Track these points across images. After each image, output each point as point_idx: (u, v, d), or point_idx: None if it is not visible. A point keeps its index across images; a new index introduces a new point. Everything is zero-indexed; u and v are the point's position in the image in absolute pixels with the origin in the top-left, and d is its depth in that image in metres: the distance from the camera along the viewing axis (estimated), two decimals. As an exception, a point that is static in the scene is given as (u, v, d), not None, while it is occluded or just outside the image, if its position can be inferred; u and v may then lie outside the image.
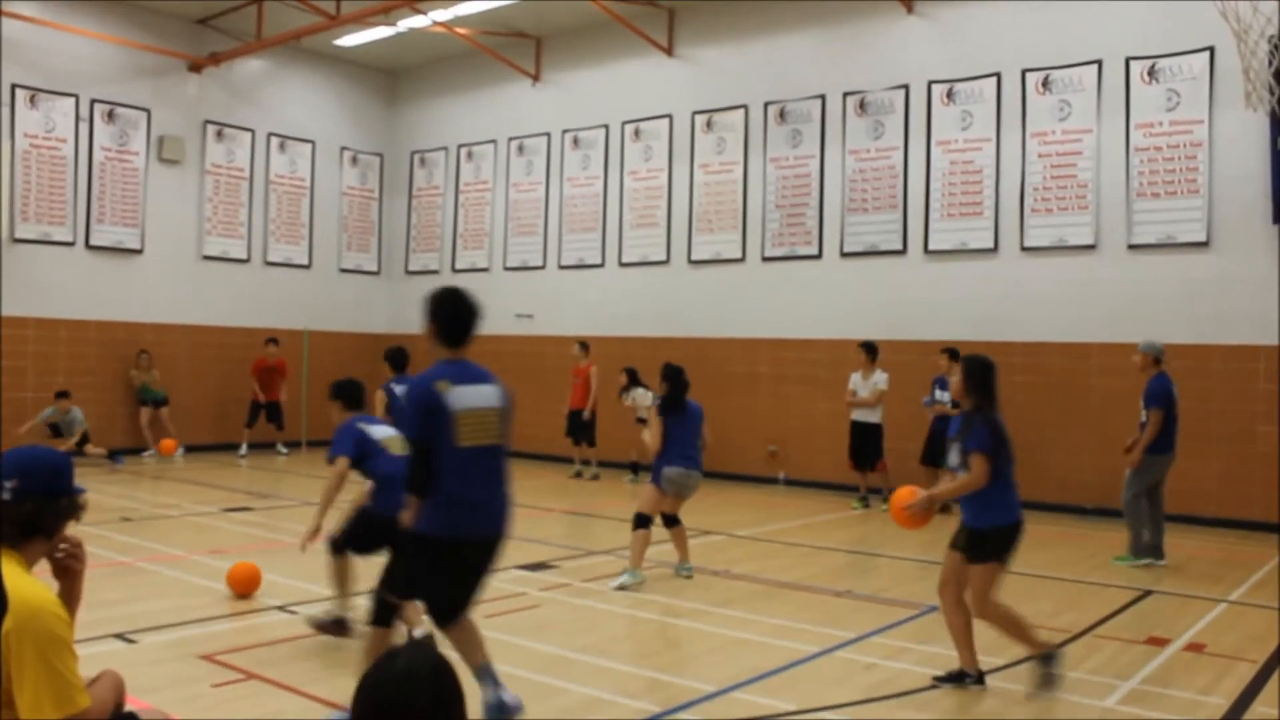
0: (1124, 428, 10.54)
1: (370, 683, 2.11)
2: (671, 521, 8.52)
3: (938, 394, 12.62)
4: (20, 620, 2.62)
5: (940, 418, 12.38)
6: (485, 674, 4.76)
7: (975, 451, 5.50)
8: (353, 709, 2.12)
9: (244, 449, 17.18)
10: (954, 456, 5.68)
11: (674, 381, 8.57)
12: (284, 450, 17.60)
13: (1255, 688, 5.80)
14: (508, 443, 4.88)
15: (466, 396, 4.69)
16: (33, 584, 2.74)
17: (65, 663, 2.67)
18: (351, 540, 6.35)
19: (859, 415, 13.03)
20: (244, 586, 7.40)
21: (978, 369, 5.73)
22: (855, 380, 13.14)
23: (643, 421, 15.79)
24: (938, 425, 12.46)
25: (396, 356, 9.14)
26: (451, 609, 4.81)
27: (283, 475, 14.80)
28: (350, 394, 6.73)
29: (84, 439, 15.25)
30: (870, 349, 12.99)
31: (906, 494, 5.83)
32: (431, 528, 4.63)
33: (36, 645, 2.63)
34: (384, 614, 5.02)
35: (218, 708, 5.12)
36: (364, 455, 6.31)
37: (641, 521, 8.24)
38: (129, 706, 3.22)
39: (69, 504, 2.97)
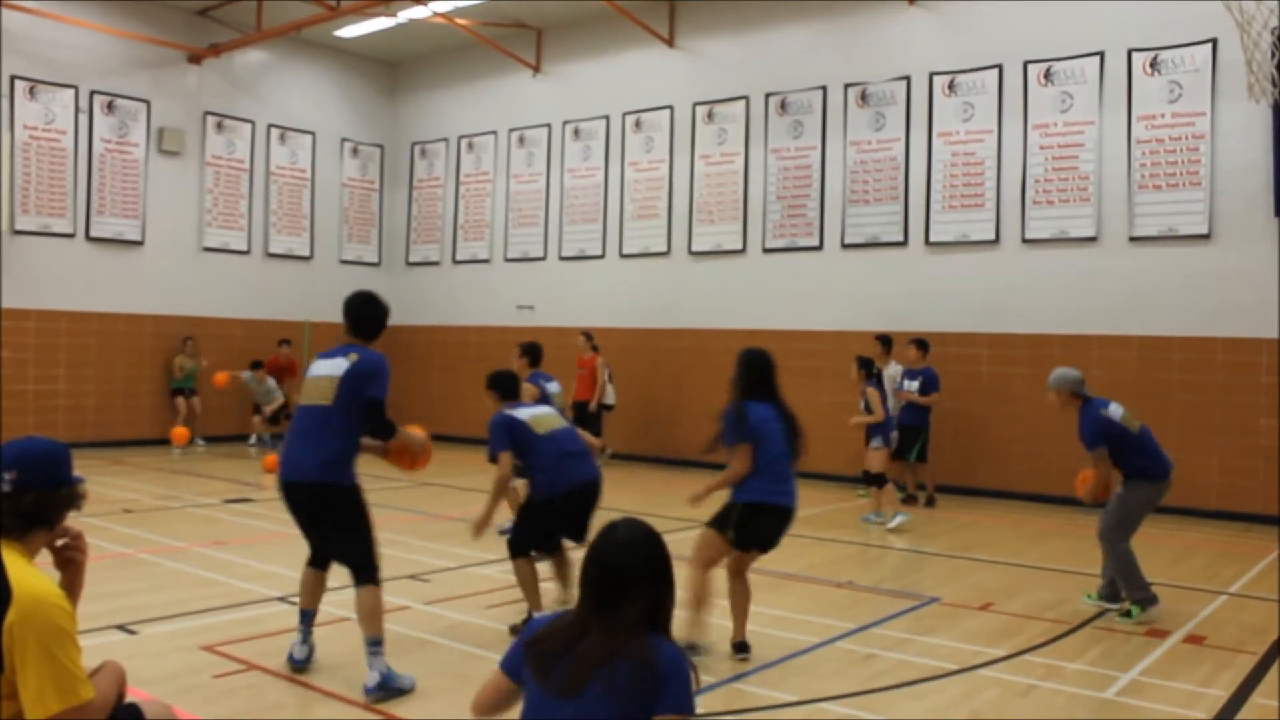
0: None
1: (595, 550, 2.73)
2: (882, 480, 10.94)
3: (905, 383, 12.45)
4: (23, 612, 2.62)
5: (903, 410, 12.23)
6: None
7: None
8: (582, 573, 2.73)
9: (253, 439, 17.22)
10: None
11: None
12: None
13: (1255, 679, 5.81)
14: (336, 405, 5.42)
15: (316, 367, 5.61)
16: (36, 575, 2.75)
17: (68, 654, 2.67)
18: (530, 539, 6.44)
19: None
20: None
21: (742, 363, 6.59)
22: None
23: (609, 408, 15.81)
24: (903, 418, 12.30)
25: (531, 350, 10.47)
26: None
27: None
28: (506, 385, 6.82)
29: (281, 412, 16.11)
30: (885, 341, 12.82)
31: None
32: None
33: (39, 637, 2.64)
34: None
35: (219, 699, 5.13)
36: (521, 447, 6.41)
37: (882, 480, 10.91)
38: (131, 698, 3.22)
39: (69, 494, 2.97)
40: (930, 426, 12.27)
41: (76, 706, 2.67)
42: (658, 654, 2.57)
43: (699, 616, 5.99)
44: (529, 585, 6.35)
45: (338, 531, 5.44)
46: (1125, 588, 7.08)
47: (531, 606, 6.34)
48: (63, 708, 2.64)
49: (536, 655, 2.66)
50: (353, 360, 5.44)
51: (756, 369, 6.46)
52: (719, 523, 6.08)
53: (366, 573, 5.35)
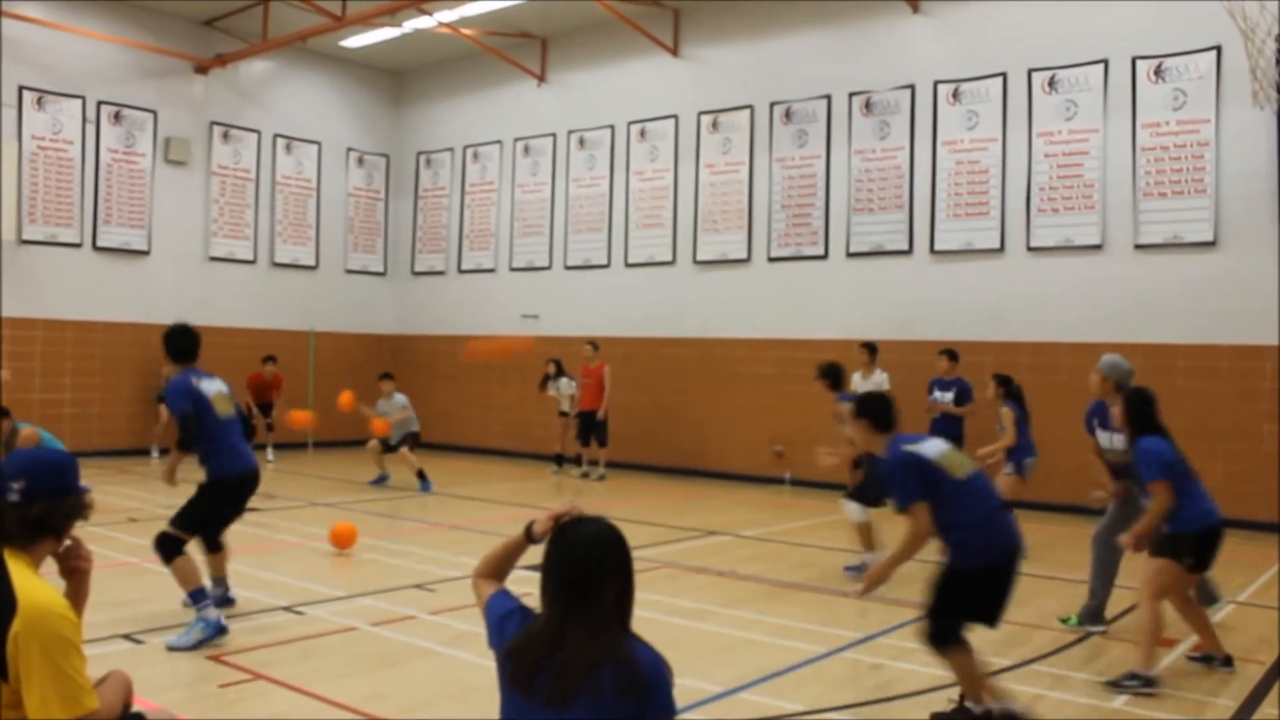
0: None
1: (560, 550, 2.69)
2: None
3: (936, 394, 12.52)
4: (28, 622, 2.62)
5: (937, 420, 12.30)
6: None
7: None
8: (547, 575, 2.69)
9: (268, 454, 16.50)
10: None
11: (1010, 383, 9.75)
12: (270, 459, 16.52)
13: (1263, 689, 5.79)
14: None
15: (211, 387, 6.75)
16: (41, 585, 2.75)
17: (73, 664, 2.68)
18: (958, 620, 4.99)
19: None
20: (345, 541, 9.00)
21: (1135, 402, 6.15)
22: (856, 380, 13.14)
23: (565, 415, 15.84)
24: (935, 427, 12.36)
25: (832, 373, 9.59)
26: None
27: (287, 476, 14.80)
28: (880, 412, 5.20)
29: (411, 439, 14.00)
30: (871, 349, 13.02)
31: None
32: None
33: (44, 647, 2.64)
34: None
35: (225, 708, 5.13)
36: (935, 491, 4.89)
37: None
38: (136, 707, 3.22)
39: (76, 503, 2.98)
40: (964, 438, 12.34)
41: (82, 717, 2.67)
42: (638, 658, 2.60)
43: (1152, 649, 5.81)
44: (971, 673, 4.97)
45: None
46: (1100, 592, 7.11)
47: (972, 695, 4.98)
48: (68, 718, 2.64)
49: (516, 668, 2.65)
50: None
51: (1149, 405, 6.17)
52: (1171, 553, 5.88)
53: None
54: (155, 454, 16.37)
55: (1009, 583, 4.97)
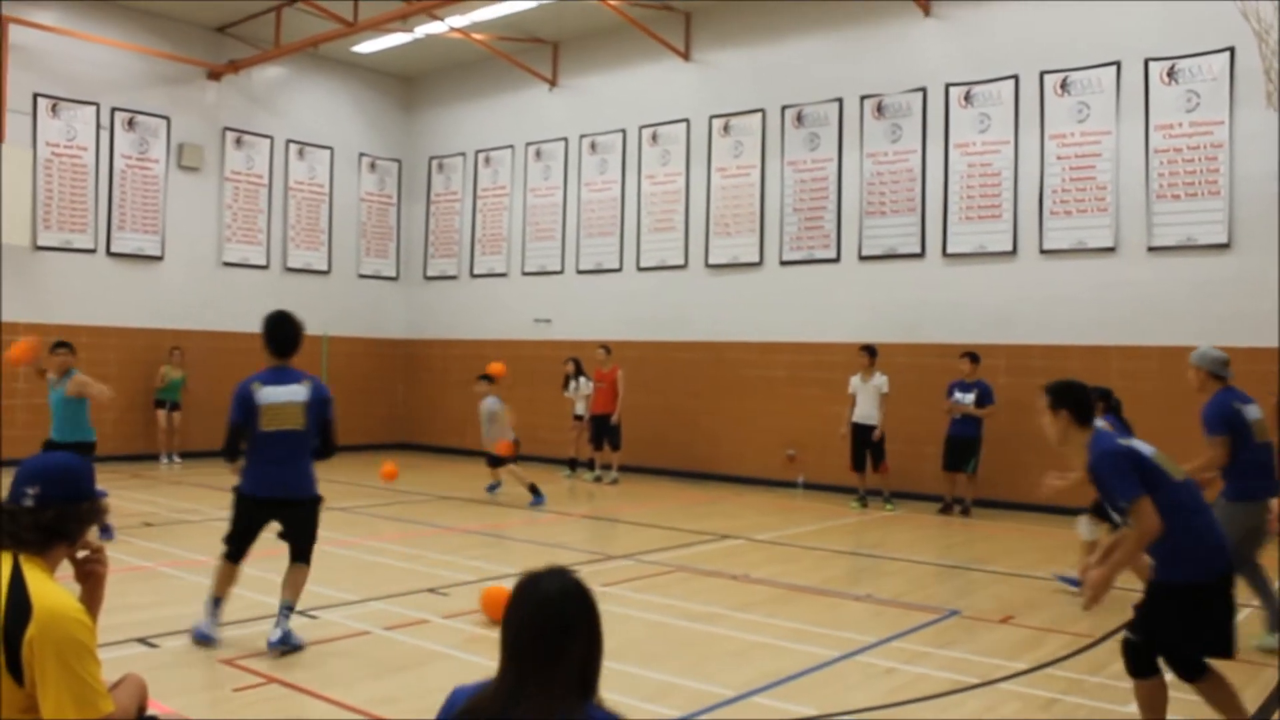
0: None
1: (521, 607, 2.40)
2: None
3: (958, 395, 12.65)
4: (43, 626, 2.64)
5: (957, 422, 12.51)
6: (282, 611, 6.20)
7: None
8: (507, 632, 2.42)
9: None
10: None
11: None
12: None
13: (1280, 693, 5.75)
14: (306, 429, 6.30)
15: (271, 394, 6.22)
16: (56, 590, 2.76)
17: (88, 668, 2.69)
18: (1177, 632, 4.48)
19: (860, 417, 13.12)
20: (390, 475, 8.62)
21: None
22: (855, 383, 13.24)
23: (580, 418, 15.82)
24: (954, 430, 12.59)
25: (1106, 396, 8.54)
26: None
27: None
28: (1083, 402, 4.69)
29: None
30: (871, 351, 13.12)
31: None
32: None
33: (59, 651, 2.65)
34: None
35: (239, 712, 5.14)
36: (1154, 491, 4.37)
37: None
38: (151, 711, 3.23)
39: (90, 508, 2.99)
40: (982, 440, 12.52)
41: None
42: None
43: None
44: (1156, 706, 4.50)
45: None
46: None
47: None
48: None
49: None
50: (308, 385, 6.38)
51: None
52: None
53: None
54: (165, 460, 16.41)
55: (1225, 604, 4.41)
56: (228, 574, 6.40)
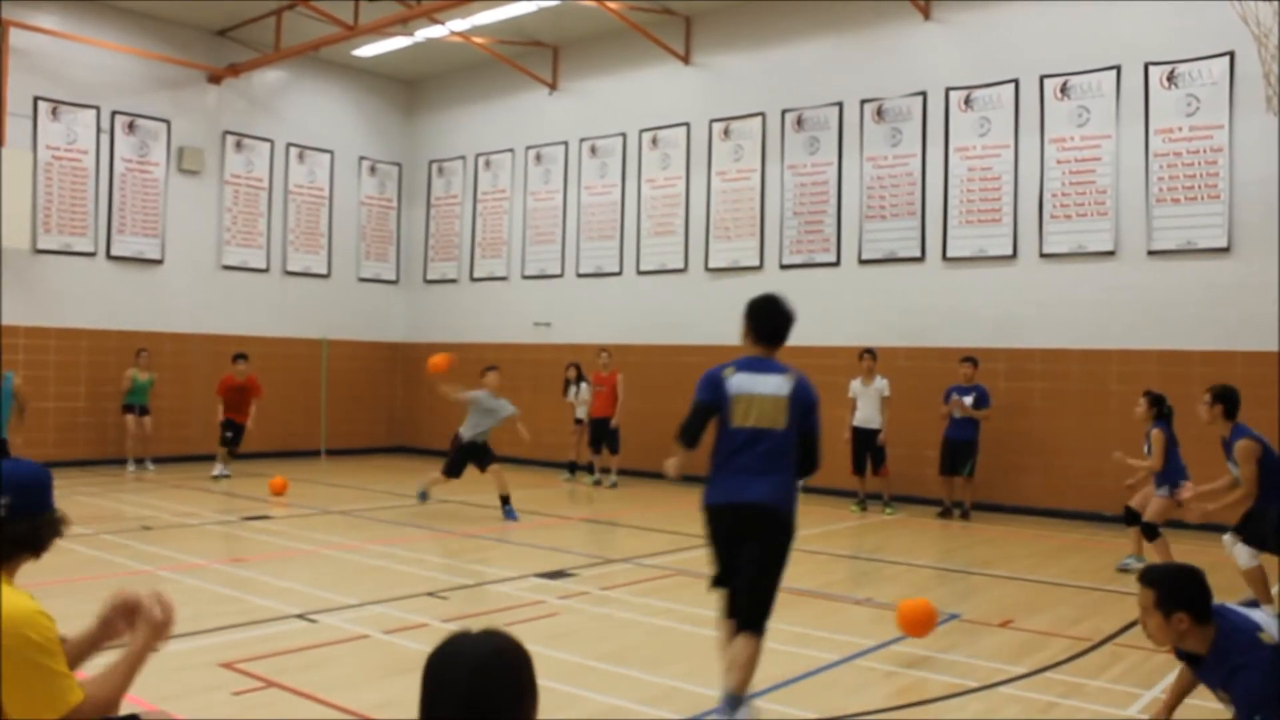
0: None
1: (443, 679, 2.11)
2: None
3: (956, 397, 12.66)
4: (7, 631, 2.63)
5: (954, 425, 12.52)
6: (732, 703, 4.84)
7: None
8: (427, 703, 2.11)
9: (219, 469, 15.05)
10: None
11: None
12: (222, 472, 15.06)
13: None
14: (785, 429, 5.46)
15: (744, 384, 5.45)
16: (15, 594, 2.75)
17: (53, 662, 2.69)
18: None
19: (861, 421, 13.14)
20: (917, 626, 6.57)
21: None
22: (856, 387, 13.26)
23: (580, 422, 15.81)
24: (952, 433, 12.58)
25: (1226, 396, 8.15)
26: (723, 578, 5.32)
27: (299, 485, 14.83)
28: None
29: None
30: (871, 355, 13.15)
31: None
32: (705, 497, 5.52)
33: (23, 652, 2.65)
34: None
35: (238, 715, 5.14)
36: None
37: (1155, 532, 8.91)
38: (134, 707, 3.21)
39: (53, 520, 2.92)
40: (979, 442, 12.56)
41: (67, 713, 2.69)
42: None
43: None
44: None
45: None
46: None
47: None
48: (56, 717, 2.65)
49: None
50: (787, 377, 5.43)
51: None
52: None
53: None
54: (132, 466, 15.68)
55: None
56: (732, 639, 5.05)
